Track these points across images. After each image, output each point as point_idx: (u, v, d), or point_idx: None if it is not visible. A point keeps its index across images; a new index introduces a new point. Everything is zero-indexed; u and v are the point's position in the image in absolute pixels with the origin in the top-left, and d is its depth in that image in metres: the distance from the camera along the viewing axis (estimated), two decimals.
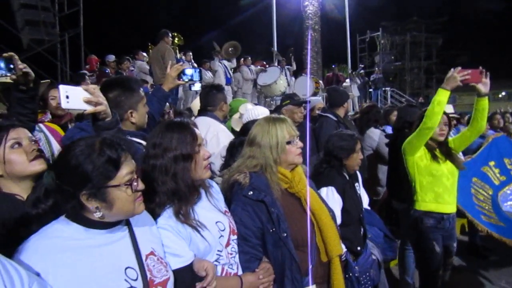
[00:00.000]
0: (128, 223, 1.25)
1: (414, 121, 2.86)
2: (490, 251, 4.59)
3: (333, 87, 4.50)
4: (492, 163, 3.38)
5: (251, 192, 1.66)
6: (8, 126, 1.42)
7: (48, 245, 1.07)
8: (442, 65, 20.30)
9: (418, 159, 2.78)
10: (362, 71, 12.88)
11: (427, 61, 19.89)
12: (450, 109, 4.24)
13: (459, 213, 3.32)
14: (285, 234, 1.64)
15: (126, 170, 1.13)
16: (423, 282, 2.92)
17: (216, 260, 1.48)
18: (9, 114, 1.90)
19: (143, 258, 1.21)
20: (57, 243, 1.08)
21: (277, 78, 8.55)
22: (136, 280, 1.15)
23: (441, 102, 2.54)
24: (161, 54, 7.10)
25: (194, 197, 1.49)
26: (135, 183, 1.15)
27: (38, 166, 1.43)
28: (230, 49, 9.46)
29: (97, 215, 1.11)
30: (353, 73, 12.37)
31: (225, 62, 9.36)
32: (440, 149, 2.81)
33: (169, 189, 1.42)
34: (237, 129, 3.24)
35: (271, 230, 1.64)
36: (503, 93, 25.02)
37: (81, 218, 1.13)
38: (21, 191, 1.41)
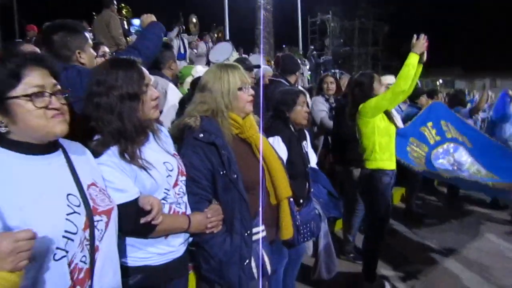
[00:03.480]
0: (65, 153, 1.19)
1: (364, 88, 3.00)
2: (424, 216, 5.04)
3: (287, 54, 4.57)
4: (430, 124, 3.62)
5: (202, 135, 1.65)
6: None
7: None
8: (387, 52, 21.38)
9: (378, 120, 2.93)
10: (314, 52, 13.13)
11: (374, 47, 20.83)
12: (392, 79, 4.49)
13: (398, 183, 3.57)
14: (236, 176, 1.65)
15: (31, 82, 1.05)
16: (374, 234, 3.12)
17: (163, 199, 1.46)
18: None
19: (85, 187, 1.17)
20: None
21: (229, 55, 8.44)
22: (78, 206, 1.11)
23: (414, 66, 2.75)
24: (105, 23, 6.69)
25: (141, 137, 1.45)
26: (42, 98, 1.06)
27: None
28: (193, 25, 9.16)
29: (2, 130, 1.05)
30: (306, 54, 12.56)
31: (185, 36, 8.99)
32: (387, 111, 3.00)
33: (115, 128, 1.37)
34: None
35: (221, 173, 1.65)
36: (440, 81, 27.04)
37: (7, 141, 1.06)
38: None
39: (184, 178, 1.58)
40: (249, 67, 3.41)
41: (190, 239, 1.60)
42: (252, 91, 1.81)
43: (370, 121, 2.94)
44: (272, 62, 10.46)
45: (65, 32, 1.91)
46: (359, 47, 20.21)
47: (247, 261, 1.67)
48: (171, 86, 2.80)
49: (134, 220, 1.34)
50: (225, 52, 8.59)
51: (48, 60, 1.13)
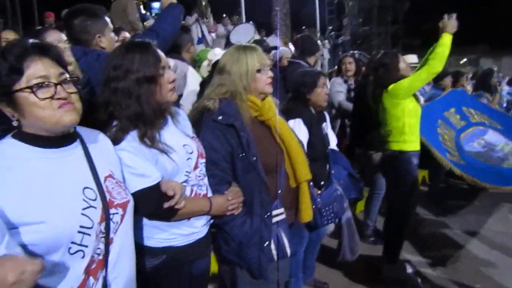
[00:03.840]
0: (83, 144, 1.18)
1: (389, 68, 2.92)
2: (446, 199, 4.94)
3: (306, 35, 4.51)
4: (452, 110, 3.55)
5: (221, 117, 1.64)
6: None
7: None
8: (407, 30, 20.64)
9: (407, 101, 2.87)
10: (332, 33, 12.84)
11: (394, 26, 20.10)
12: (414, 59, 4.36)
13: (420, 165, 3.52)
14: (255, 158, 1.65)
15: (33, 74, 1.03)
16: (399, 216, 3.06)
17: (185, 181, 1.47)
18: None
19: (101, 179, 1.16)
20: (2, 162, 1.00)
21: (251, 37, 8.29)
22: (95, 200, 1.10)
23: (449, 46, 2.73)
24: (122, 8, 6.70)
25: (159, 121, 1.45)
26: (46, 89, 1.04)
27: None
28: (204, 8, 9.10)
29: (14, 123, 1.05)
30: (324, 35, 12.29)
31: (202, 20, 8.94)
32: None
33: (133, 112, 1.36)
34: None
35: (240, 155, 1.64)
36: (465, 59, 25.98)
37: (24, 135, 1.06)
38: None
39: (203, 160, 1.58)
40: (266, 49, 3.37)
41: (212, 220, 1.61)
42: (271, 73, 1.79)
43: (400, 102, 2.86)
44: (290, 44, 10.30)
45: (85, 16, 1.92)
46: (378, 26, 19.52)
47: (267, 242, 1.67)
48: (191, 70, 2.79)
49: (157, 204, 1.36)
50: (247, 33, 8.45)
51: (52, 49, 1.10)
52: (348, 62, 4.38)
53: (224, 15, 9.56)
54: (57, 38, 1.84)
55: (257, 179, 1.66)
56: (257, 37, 8.53)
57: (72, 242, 1.03)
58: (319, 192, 2.29)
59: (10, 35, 3.07)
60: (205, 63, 3.48)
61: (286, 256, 1.79)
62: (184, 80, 2.68)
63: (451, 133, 3.39)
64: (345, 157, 2.81)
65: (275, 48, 3.65)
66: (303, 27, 12.06)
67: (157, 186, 1.37)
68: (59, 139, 1.10)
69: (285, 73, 3.51)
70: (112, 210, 1.14)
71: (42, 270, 0.86)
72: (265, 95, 1.79)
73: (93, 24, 1.92)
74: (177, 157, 1.44)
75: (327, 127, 2.60)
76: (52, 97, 1.04)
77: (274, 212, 1.73)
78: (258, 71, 1.73)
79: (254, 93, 1.75)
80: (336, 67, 5.16)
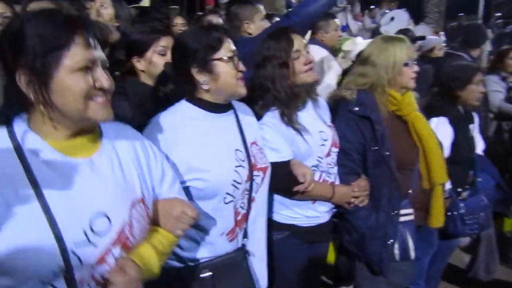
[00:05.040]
0: (235, 114, 1.38)
1: None
2: None
3: (473, 23, 3.98)
4: None
5: (357, 108, 1.65)
6: (163, 32, 1.58)
7: (174, 119, 1.26)
8: None
9: None
10: (498, 20, 10.91)
11: None
12: None
13: None
14: (388, 153, 1.61)
15: (228, 48, 1.25)
16: None
17: (315, 166, 1.54)
18: (146, 19, 2.16)
19: (248, 145, 1.35)
20: (181, 119, 1.26)
21: (404, 27, 7.66)
22: (243, 161, 1.30)
23: None
24: None
25: (295, 102, 1.54)
26: (235, 62, 1.26)
27: None
28: None
29: (205, 87, 1.26)
30: (486, 24, 10.54)
31: (349, 7, 8.72)
32: None
33: (271, 95, 1.51)
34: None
35: (373, 148, 1.63)
36: None
37: (197, 100, 1.30)
38: None
39: (336, 149, 1.62)
40: (412, 39, 3.13)
41: (335, 209, 1.65)
42: (416, 67, 1.70)
43: None
44: (442, 34, 9.19)
45: (238, 4, 2.14)
46: None
47: (391, 240, 1.64)
48: (333, 64, 2.74)
49: (282, 180, 1.46)
50: (400, 22, 7.78)
51: (232, 37, 1.32)
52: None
53: (373, 6, 9.00)
54: (215, 22, 2.10)
55: (388, 174, 1.62)
56: (411, 25, 7.82)
57: (227, 193, 1.25)
58: (461, 198, 2.09)
59: (179, 20, 3.59)
60: (340, 55, 3.41)
61: (409, 258, 1.73)
62: (320, 68, 2.67)
63: None
64: (492, 165, 2.46)
65: (422, 38, 3.35)
66: (460, 14, 10.57)
67: (286, 163, 1.47)
68: (222, 107, 1.33)
69: (439, 66, 3.17)
70: (255, 172, 1.34)
71: (197, 217, 1.06)
72: (407, 89, 1.72)
73: (243, 11, 2.12)
74: (312, 140, 1.53)
75: (474, 129, 2.31)
76: (237, 69, 1.26)
77: (402, 211, 1.67)
78: (405, 64, 1.67)
79: (396, 87, 1.70)
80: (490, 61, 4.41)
